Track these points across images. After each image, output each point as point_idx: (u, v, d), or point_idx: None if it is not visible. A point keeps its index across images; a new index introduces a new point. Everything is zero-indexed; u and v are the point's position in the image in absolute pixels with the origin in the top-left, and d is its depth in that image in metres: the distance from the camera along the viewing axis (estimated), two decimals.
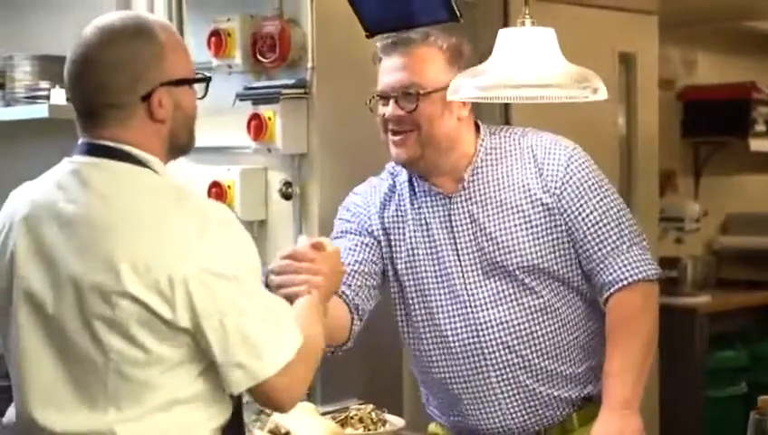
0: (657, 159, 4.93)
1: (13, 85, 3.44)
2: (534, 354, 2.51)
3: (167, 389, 1.88)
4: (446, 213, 2.53)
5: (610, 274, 2.47)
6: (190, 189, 1.99)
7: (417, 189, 2.58)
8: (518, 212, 2.50)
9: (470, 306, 2.52)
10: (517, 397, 2.53)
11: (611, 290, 2.47)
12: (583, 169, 2.51)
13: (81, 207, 1.90)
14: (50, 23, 3.64)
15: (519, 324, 2.50)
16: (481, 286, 2.52)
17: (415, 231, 2.57)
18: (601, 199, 2.50)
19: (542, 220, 2.49)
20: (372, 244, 2.60)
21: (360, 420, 2.74)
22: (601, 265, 2.48)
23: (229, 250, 1.88)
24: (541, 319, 2.50)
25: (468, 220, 2.52)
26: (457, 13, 2.64)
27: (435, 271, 2.56)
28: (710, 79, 6.08)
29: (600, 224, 2.48)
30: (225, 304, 1.85)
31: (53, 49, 3.47)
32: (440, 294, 2.56)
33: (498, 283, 2.51)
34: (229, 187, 3.05)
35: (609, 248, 2.48)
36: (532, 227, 2.49)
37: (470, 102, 2.51)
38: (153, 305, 1.82)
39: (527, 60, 2.44)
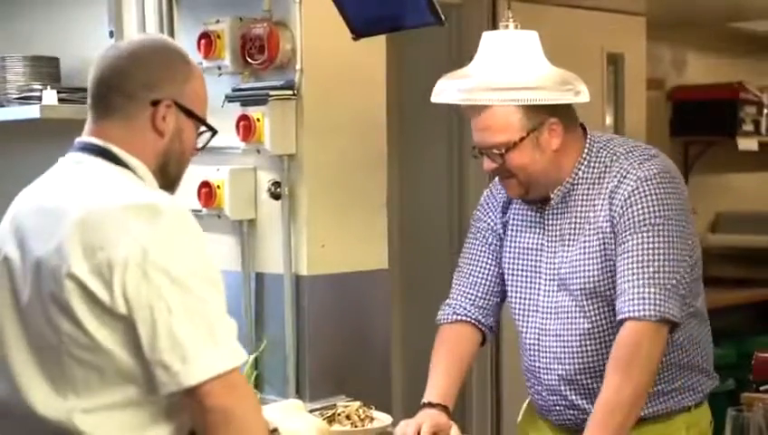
0: None
1: (5, 86, 3.47)
2: (577, 370, 2.56)
3: (118, 384, 1.89)
4: (541, 224, 2.61)
5: (618, 304, 2.44)
6: (159, 191, 2.01)
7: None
8: (588, 237, 2.52)
9: (539, 312, 2.61)
10: (560, 404, 2.62)
11: (618, 321, 2.44)
12: (644, 200, 2.45)
13: (57, 197, 1.97)
14: (43, 24, 3.67)
15: (570, 339, 2.56)
16: (550, 296, 2.58)
17: (517, 235, 2.66)
18: (645, 234, 2.43)
19: (604, 246, 2.50)
20: (497, 244, 2.70)
21: (348, 417, 2.77)
22: (618, 296, 2.45)
23: (177, 249, 1.88)
24: (588, 339, 2.54)
25: (556, 234, 2.58)
26: (441, 16, 2.69)
27: (521, 274, 2.64)
28: (699, 79, 6.12)
29: (630, 256, 2.43)
30: (157, 298, 1.84)
31: (46, 50, 3.53)
32: (520, 297, 2.65)
33: (563, 297, 2.56)
34: (219, 187, 3.08)
35: (626, 279, 2.42)
36: (595, 253, 2.51)
37: (561, 129, 2.50)
38: (93, 288, 1.85)
39: (510, 63, 2.48)
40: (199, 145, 2.13)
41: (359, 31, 2.81)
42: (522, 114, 2.45)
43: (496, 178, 2.68)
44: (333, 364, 3.16)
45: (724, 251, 6.11)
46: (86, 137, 2.05)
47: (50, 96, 3.27)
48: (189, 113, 2.04)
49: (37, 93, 3.32)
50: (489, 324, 2.72)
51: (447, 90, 2.49)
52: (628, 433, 2.39)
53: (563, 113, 2.50)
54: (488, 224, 2.73)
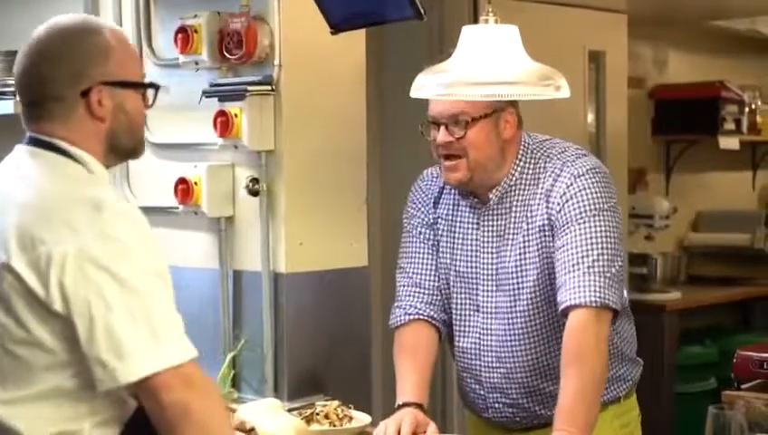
0: (626, 156, 4.96)
1: None
2: (519, 368, 2.61)
3: (50, 377, 1.87)
4: (476, 222, 2.63)
5: (559, 296, 2.47)
6: (108, 190, 1.99)
7: (458, 192, 2.66)
8: (526, 237, 2.56)
9: (479, 312, 2.64)
10: (499, 402, 2.66)
11: (561, 312, 2.47)
12: (579, 194, 2.51)
13: (5, 188, 1.97)
14: (20, 20, 3.62)
15: (511, 338, 2.60)
16: (489, 296, 2.62)
17: (449, 230, 2.67)
18: (582, 225, 2.48)
19: (542, 245, 2.54)
20: (434, 239, 2.70)
21: (326, 417, 2.74)
22: (558, 288, 2.48)
23: (119, 245, 1.86)
24: (530, 338, 2.59)
25: (492, 233, 2.61)
26: (421, 10, 2.65)
27: (457, 271, 2.66)
28: (681, 77, 6.12)
29: (568, 248, 2.48)
30: (95, 295, 1.82)
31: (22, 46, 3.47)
32: (457, 294, 2.67)
33: (503, 297, 2.60)
34: (196, 183, 3.04)
35: (566, 270, 2.46)
36: (533, 252, 2.55)
37: (515, 121, 2.57)
38: (30, 282, 1.84)
39: (490, 57, 2.45)
40: (149, 104, 2.10)
41: (337, 25, 2.77)
42: None
43: (424, 172, 2.74)
44: (312, 363, 3.12)
45: (706, 250, 6.12)
46: (34, 134, 2.02)
47: None
48: (123, 84, 2.01)
49: (12, 88, 3.27)
50: (442, 319, 2.71)
51: (428, 84, 2.45)
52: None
53: (517, 110, 2.59)
54: (421, 219, 2.73)
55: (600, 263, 2.45)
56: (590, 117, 4.74)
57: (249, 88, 2.93)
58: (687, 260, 6.04)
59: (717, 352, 5.44)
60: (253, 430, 2.53)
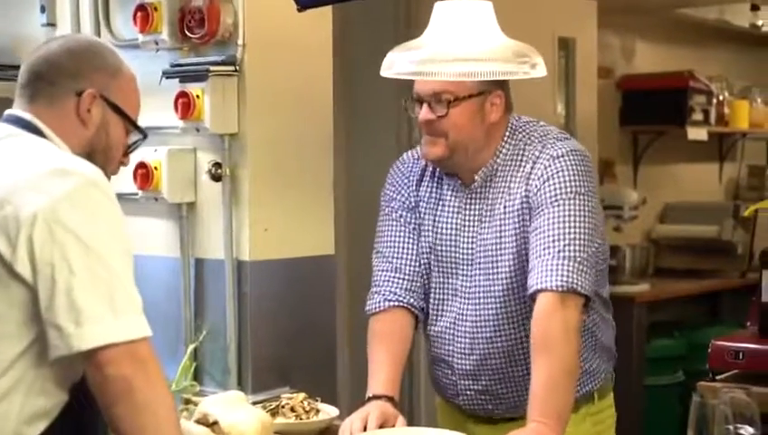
0: (596, 146, 4.90)
1: None
2: (493, 354, 2.54)
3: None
4: (459, 205, 2.55)
5: (528, 280, 2.41)
6: (79, 160, 1.96)
7: (440, 173, 2.60)
8: (504, 221, 2.49)
9: (457, 296, 2.56)
10: (471, 389, 2.58)
11: (530, 297, 2.41)
12: (556, 176, 2.44)
13: None
14: None
15: (486, 324, 2.53)
16: (467, 281, 2.54)
17: (431, 214, 2.60)
18: (557, 208, 2.42)
19: (520, 229, 2.47)
20: (415, 222, 2.62)
21: (292, 410, 2.65)
22: (528, 272, 2.42)
23: (89, 212, 1.84)
24: (505, 324, 2.52)
25: (474, 217, 2.53)
26: None
27: (437, 255, 2.58)
28: (648, 68, 6.07)
29: (541, 231, 2.41)
30: (60, 258, 1.79)
31: None
32: (435, 278, 2.59)
33: (480, 281, 2.52)
34: (156, 168, 2.93)
35: (537, 254, 2.40)
36: (511, 237, 2.48)
37: (503, 103, 2.49)
38: None
39: (464, 33, 2.36)
40: (129, 142, 2.13)
41: (303, 2, 2.67)
42: None
43: (405, 154, 2.66)
44: (277, 354, 3.02)
45: (673, 242, 6.08)
46: (17, 111, 2.02)
47: None
48: (116, 109, 2.05)
49: None
50: (421, 306, 2.63)
51: (398, 62, 2.35)
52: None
53: (507, 93, 2.51)
54: (402, 202, 2.64)
55: (572, 247, 2.37)
56: (560, 106, 4.67)
57: (211, 68, 2.83)
58: (655, 252, 6.00)
59: (686, 344, 5.40)
60: (216, 423, 2.42)
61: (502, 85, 2.48)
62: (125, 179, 2.98)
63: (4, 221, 1.80)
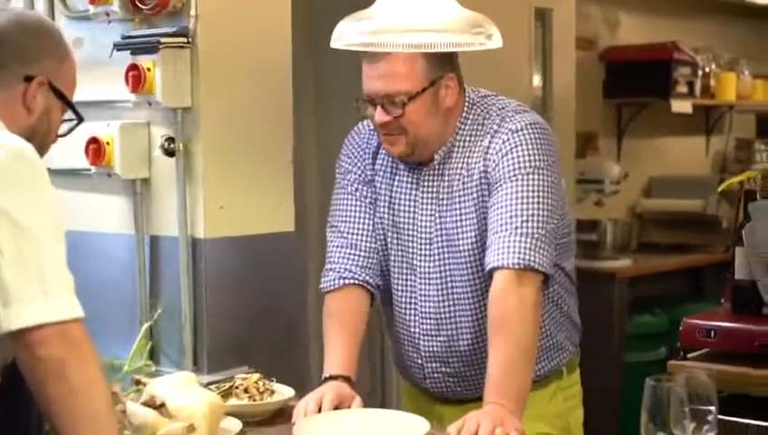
0: (573, 119, 4.81)
1: None
2: (459, 335, 2.49)
3: None
4: (415, 182, 2.49)
5: (485, 257, 2.36)
6: (9, 135, 1.88)
7: None
8: (463, 198, 2.44)
9: (416, 276, 2.51)
10: (439, 372, 2.54)
11: (487, 274, 2.36)
12: (515, 150, 2.39)
13: None
14: None
15: (449, 304, 2.49)
16: (425, 260, 2.48)
17: (387, 189, 2.53)
18: (515, 183, 2.37)
19: (479, 206, 2.42)
20: (371, 196, 2.56)
21: (246, 391, 2.58)
22: (486, 249, 2.36)
23: (16, 186, 1.77)
24: (467, 304, 2.47)
25: (432, 195, 2.47)
26: None
27: (394, 231, 2.53)
28: (633, 39, 5.96)
29: (498, 207, 2.36)
30: None
31: None
32: (395, 257, 2.54)
33: (439, 260, 2.47)
34: (108, 143, 2.84)
35: (494, 230, 2.35)
36: (470, 214, 2.43)
37: (456, 85, 2.42)
38: None
39: (417, 4, 2.27)
40: (61, 132, 2.08)
41: None
42: (425, 63, 2.36)
43: (360, 124, 2.59)
44: (234, 334, 2.94)
45: (657, 216, 5.99)
46: None
47: None
48: (60, 95, 2.00)
49: None
50: (377, 284, 2.57)
51: (348, 32, 2.27)
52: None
53: (458, 70, 2.44)
54: (358, 175, 2.58)
55: (530, 223, 2.32)
56: (537, 79, 4.57)
57: (162, 40, 2.73)
58: (639, 227, 5.91)
59: (668, 320, 5.32)
60: (163, 405, 2.34)
61: (452, 65, 2.41)
62: (77, 155, 2.90)
63: None
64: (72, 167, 2.97)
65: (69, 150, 2.94)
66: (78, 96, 2.96)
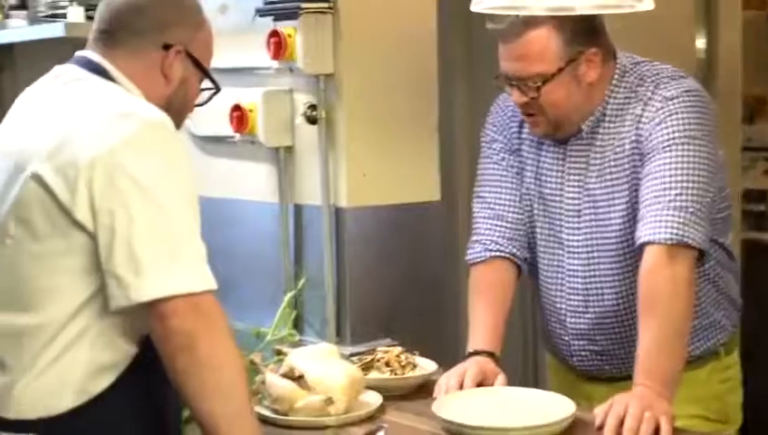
0: (740, 82, 4.55)
1: (36, 3, 3.27)
2: (608, 313, 2.39)
3: (54, 301, 1.76)
4: (562, 152, 2.39)
5: (636, 231, 2.23)
6: (147, 103, 1.88)
7: None
8: (614, 168, 2.33)
9: (563, 249, 2.41)
10: (586, 350, 2.45)
11: (638, 249, 2.23)
12: (669, 119, 2.26)
13: (44, 96, 1.90)
14: None
15: (598, 279, 2.38)
16: (573, 233, 2.39)
17: (534, 159, 2.45)
18: (669, 153, 2.23)
19: (631, 175, 2.31)
20: (518, 166, 2.48)
21: (387, 364, 2.53)
22: (637, 223, 2.24)
23: (150, 156, 1.75)
24: (618, 279, 2.36)
25: (581, 166, 2.37)
26: None
27: (541, 203, 2.44)
28: None
29: (652, 178, 2.23)
30: (120, 205, 1.71)
31: None
32: (541, 229, 2.45)
33: (588, 234, 2.37)
34: (251, 110, 2.82)
35: (646, 203, 2.22)
36: (622, 184, 2.32)
37: (600, 59, 2.30)
38: (54, 188, 1.73)
39: None
40: (199, 101, 2.05)
41: None
42: (561, 42, 2.24)
43: (506, 93, 2.45)
44: (378, 305, 2.88)
45: None
46: (91, 54, 1.94)
47: (76, 13, 3.05)
48: (197, 64, 1.98)
49: (63, 11, 3.11)
50: (524, 256, 2.48)
51: None
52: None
53: (603, 43, 2.30)
54: (504, 144, 2.48)
55: (684, 196, 2.19)
56: (700, 42, 4.34)
57: (303, 5, 2.67)
58: None
59: None
60: (302, 377, 2.31)
61: (594, 38, 2.28)
62: (222, 121, 2.89)
63: (64, 166, 1.74)
64: (218, 134, 2.96)
65: (214, 117, 2.94)
66: (222, 62, 2.96)
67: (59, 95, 1.90)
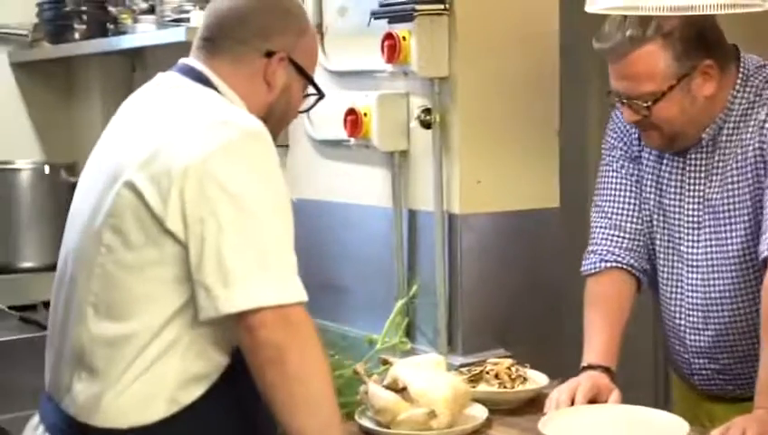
0: None
1: (162, 8, 3.31)
2: (730, 330, 2.28)
3: (148, 311, 1.75)
4: (683, 163, 2.29)
5: (760, 244, 2.11)
6: (242, 111, 1.86)
7: None
8: (736, 176, 2.21)
9: (683, 262, 2.31)
10: (707, 369, 2.35)
11: (762, 263, 2.11)
12: None
13: (143, 105, 1.91)
14: None
15: (719, 295, 2.27)
16: (693, 245, 2.28)
17: (654, 168, 2.36)
18: None
19: (754, 184, 2.19)
20: (638, 174, 2.39)
21: (497, 376, 2.46)
22: (760, 237, 2.12)
23: (243, 166, 1.72)
24: (741, 293, 2.25)
25: (701, 176, 2.26)
26: None
27: (660, 214, 2.34)
28: None
29: None
30: (210, 214, 1.69)
31: None
32: (660, 241, 2.36)
33: (709, 246, 2.26)
34: (365, 114, 2.77)
35: None
36: (744, 193, 2.20)
37: (717, 72, 2.18)
38: (148, 196, 1.72)
39: None
40: (303, 108, 2.03)
41: None
42: (671, 58, 2.13)
43: None
44: (492, 315, 2.80)
45: None
46: (194, 61, 1.93)
47: (198, 17, 3.06)
48: (301, 70, 1.96)
49: (187, 15, 3.14)
50: (643, 268, 2.38)
51: None
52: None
53: (719, 52, 2.17)
54: (624, 151, 2.38)
55: None
56: None
57: (418, 7, 2.61)
58: None
59: None
60: (405, 388, 2.26)
61: (709, 49, 2.16)
62: (337, 125, 2.86)
63: (158, 175, 1.73)
64: (335, 138, 2.93)
65: (332, 121, 2.92)
66: (339, 66, 2.96)
67: (157, 103, 1.90)
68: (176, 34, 3.10)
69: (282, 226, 1.75)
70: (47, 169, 3.87)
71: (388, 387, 2.28)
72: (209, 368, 1.80)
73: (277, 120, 1.97)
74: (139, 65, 3.89)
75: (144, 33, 3.43)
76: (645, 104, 2.17)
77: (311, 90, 2.05)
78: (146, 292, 1.76)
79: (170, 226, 1.72)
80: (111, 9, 3.63)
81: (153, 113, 1.87)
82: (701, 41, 2.16)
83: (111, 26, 3.64)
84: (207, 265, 1.70)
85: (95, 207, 1.82)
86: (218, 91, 1.89)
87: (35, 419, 1.95)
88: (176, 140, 1.76)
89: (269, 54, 1.92)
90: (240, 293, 1.69)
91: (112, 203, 1.78)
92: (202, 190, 1.71)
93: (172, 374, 1.77)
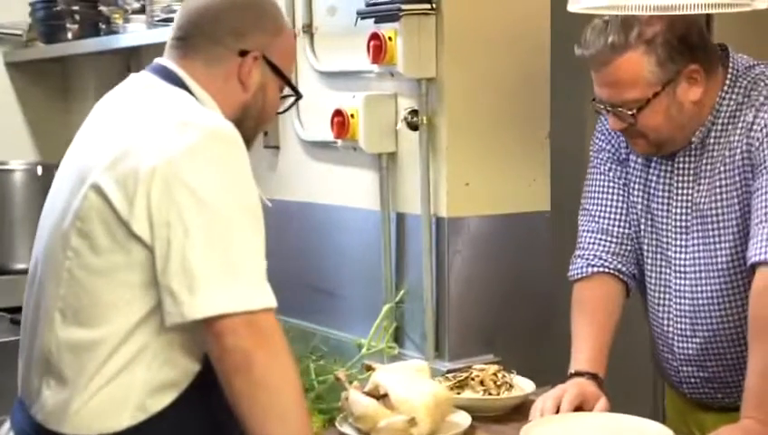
0: None
1: (152, 7, 3.28)
2: (718, 339, 2.24)
3: (117, 317, 1.72)
4: (671, 166, 2.25)
5: (748, 250, 2.06)
6: (213, 113, 1.83)
7: None
8: (723, 180, 2.17)
9: (671, 268, 2.27)
10: (696, 377, 2.30)
11: (749, 269, 2.07)
12: None
13: (113, 105, 1.88)
14: None
15: (707, 302, 2.23)
16: (681, 251, 2.24)
17: (642, 171, 2.32)
18: None
19: (742, 187, 2.15)
20: (626, 178, 2.35)
21: (482, 383, 2.42)
22: (749, 242, 2.07)
23: (210, 168, 1.68)
24: (729, 299, 2.21)
25: (689, 179, 2.22)
26: None
27: (648, 218, 2.30)
28: None
29: (762, 191, 2.07)
30: (176, 218, 1.65)
31: None
32: (648, 247, 2.31)
33: (697, 251, 2.22)
34: (352, 115, 2.73)
35: (758, 219, 2.05)
36: (731, 197, 2.16)
37: (702, 75, 2.14)
38: (113, 199, 1.69)
39: None
40: (281, 109, 2.00)
41: None
42: (654, 64, 2.09)
43: None
44: (480, 320, 2.76)
45: None
46: (167, 61, 1.90)
47: None
48: (276, 70, 1.93)
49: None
50: (631, 272, 2.33)
51: None
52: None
53: (704, 56, 2.12)
54: (612, 153, 2.34)
55: None
56: None
57: (404, 7, 2.56)
58: None
59: None
60: (386, 395, 2.22)
61: (693, 54, 2.11)
62: (324, 127, 2.82)
63: (124, 177, 1.69)
64: (323, 139, 2.90)
65: (319, 122, 2.88)
66: (327, 66, 2.92)
67: (126, 104, 1.87)
68: (167, 34, 3.04)
69: (250, 229, 1.71)
70: (40, 170, 3.86)
71: (369, 393, 2.25)
72: (179, 375, 1.77)
73: (254, 120, 1.93)
74: (134, 65, 3.86)
75: (136, 33, 3.40)
76: (630, 112, 2.13)
77: (288, 90, 2.01)
78: (113, 297, 1.73)
79: (137, 229, 1.69)
80: (103, 9, 3.61)
81: (122, 114, 1.84)
82: (685, 45, 2.11)
83: (104, 26, 3.62)
84: (173, 270, 1.66)
85: (64, 210, 1.79)
86: (190, 92, 1.86)
87: (6, 425, 1.92)
88: (143, 141, 1.73)
89: (243, 53, 1.90)
90: (206, 299, 1.65)
91: (79, 206, 1.75)
92: (169, 193, 1.67)
93: (141, 381, 1.74)
